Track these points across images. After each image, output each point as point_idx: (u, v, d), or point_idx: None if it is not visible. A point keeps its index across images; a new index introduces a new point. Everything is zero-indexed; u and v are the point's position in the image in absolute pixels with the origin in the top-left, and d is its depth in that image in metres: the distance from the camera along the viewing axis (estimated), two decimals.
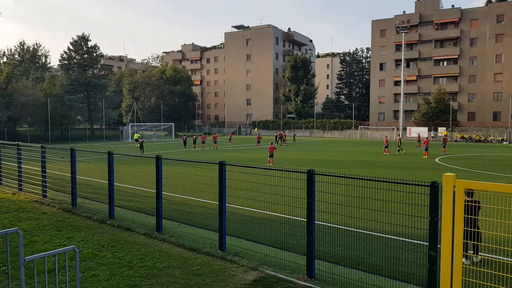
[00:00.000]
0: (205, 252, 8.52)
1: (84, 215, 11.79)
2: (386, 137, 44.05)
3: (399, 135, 44.15)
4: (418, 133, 59.06)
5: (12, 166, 16.76)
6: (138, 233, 9.98)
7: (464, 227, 5.14)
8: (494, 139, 63.96)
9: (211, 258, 8.22)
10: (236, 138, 70.25)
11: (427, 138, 39.10)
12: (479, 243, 7.72)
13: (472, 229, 5.95)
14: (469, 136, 67.24)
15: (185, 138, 45.22)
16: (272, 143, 29.29)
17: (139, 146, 38.60)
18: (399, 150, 38.77)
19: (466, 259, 7.76)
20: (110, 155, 11.44)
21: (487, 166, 27.38)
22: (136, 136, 51.29)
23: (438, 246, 5.48)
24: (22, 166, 15.75)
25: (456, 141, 65.99)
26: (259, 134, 56.19)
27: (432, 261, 5.68)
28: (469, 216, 5.67)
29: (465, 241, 5.34)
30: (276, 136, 55.21)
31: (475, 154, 38.39)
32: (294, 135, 67.51)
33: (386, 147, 38.72)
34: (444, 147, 37.94)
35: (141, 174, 15.92)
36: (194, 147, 44.44)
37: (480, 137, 65.81)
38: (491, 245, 8.33)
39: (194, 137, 47.27)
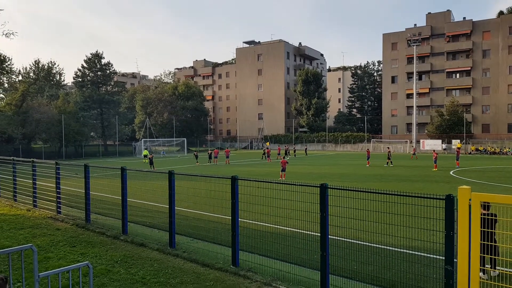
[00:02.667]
0: (218, 267, 8.48)
1: (97, 231, 11.84)
2: (368, 149, 43.94)
3: (388, 147, 43.77)
4: (413, 147, 58.67)
5: (27, 182, 16.94)
6: (151, 248, 9.99)
7: (481, 240, 5.05)
8: (509, 151, 62.98)
9: (224, 273, 8.17)
10: (248, 153, 70.29)
11: (434, 150, 38.73)
12: (496, 257, 7.56)
13: (489, 243, 5.85)
14: (484, 148, 66.30)
15: (196, 154, 45.85)
16: (284, 157, 29.26)
17: (147, 161, 39.08)
18: (387, 162, 38.60)
19: (484, 274, 7.60)
20: (123, 171, 11.51)
21: (503, 178, 26.94)
22: (145, 152, 52.21)
23: (455, 260, 5.38)
24: (36, 182, 15.92)
25: (470, 153, 65.08)
26: (267, 148, 56.14)
27: (448, 276, 5.57)
28: (486, 230, 5.57)
29: (482, 255, 5.23)
30: (264, 152, 53.57)
31: (490, 167, 37.83)
32: (306, 149, 67.29)
33: (368, 158, 38.60)
34: (457, 159, 37.47)
35: (154, 190, 15.97)
36: (210, 162, 44.78)
37: (495, 149, 64.84)
38: (509, 259, 8.15)
39: (209, 152, 47.74)
